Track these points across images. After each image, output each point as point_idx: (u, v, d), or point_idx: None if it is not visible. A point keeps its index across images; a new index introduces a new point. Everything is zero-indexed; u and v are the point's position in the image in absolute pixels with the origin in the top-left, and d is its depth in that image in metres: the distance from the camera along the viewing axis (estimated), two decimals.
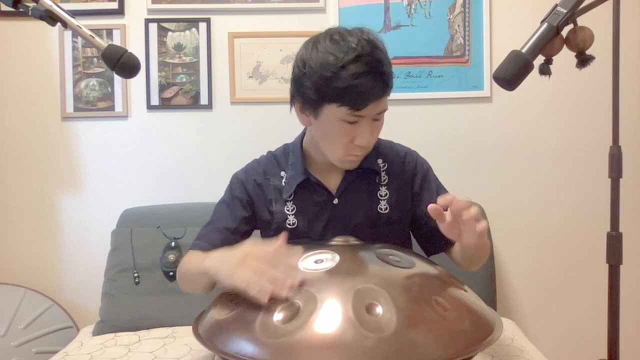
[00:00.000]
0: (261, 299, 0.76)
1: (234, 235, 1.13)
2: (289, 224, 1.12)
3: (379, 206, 1.13)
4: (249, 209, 1.15)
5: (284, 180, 1.14)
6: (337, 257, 0.83)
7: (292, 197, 1.12)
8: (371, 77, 0.94)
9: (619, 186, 0.88)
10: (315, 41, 1.00)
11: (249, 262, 0.83)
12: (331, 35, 0.98)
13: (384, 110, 1.01)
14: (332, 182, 1.13)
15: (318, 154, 1.12)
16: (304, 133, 1.17)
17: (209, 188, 1.93)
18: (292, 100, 1.07)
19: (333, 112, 0.98)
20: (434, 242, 1.15)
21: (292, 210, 1.12)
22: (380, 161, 1.16)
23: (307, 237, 1.12)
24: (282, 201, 1.13)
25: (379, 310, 0.72)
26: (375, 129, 1.03)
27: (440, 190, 1.18)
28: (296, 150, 1.15)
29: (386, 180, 1.14)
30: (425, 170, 1.19)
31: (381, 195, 1.14)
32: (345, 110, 0.96)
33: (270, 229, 1.14)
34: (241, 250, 0.87)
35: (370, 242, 0.99)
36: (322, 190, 1.12)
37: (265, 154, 1.22)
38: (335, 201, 1.12)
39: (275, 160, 1.18)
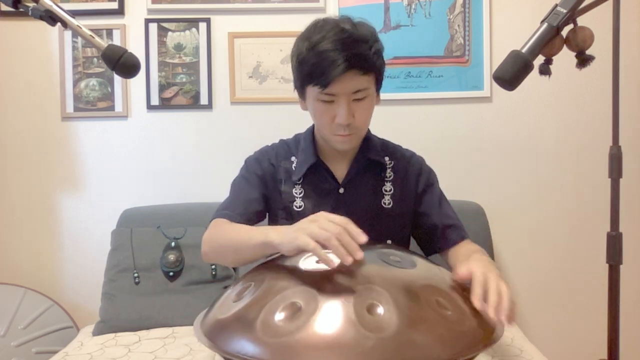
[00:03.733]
0: (327, 262, 0.74)
1: (257, 206, 1.14)
2: (296, 207, 1.14)
3: (383, 200, 1.16)
4: (264, 186, 1.17)
5: (294, 164, 1.17)
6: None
7: (301, 180, 1.15)
8: (332, 54, 0.97)
9: (619, 186, 0.88)
10: (305, 31, 1.06)
11: (316, 221, 0.80)
12: (317, 23, 1.04)
13: (360, 90, 1.02)
14: (340, 171, 1.16)
15: (324, 141, 1.15)
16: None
17: (209, 188, 1.93)
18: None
19: (311, 93, 1.04)
20: (432, 243, 1.18)
21: (300, 194, 1.15)
22: (387, 158, 1.19)
23: None
24: (291, 183, 1.16)
25: (379, 310, 0.72)
26: (360, 108, 1.04)
27: (442, 195, 1.22)
28: (308, 137, 1.19)
29: (391, 177, 1.17)
30: (428, 172, 1.22)
31: (386, 190, 1.16)
32: (317, 90, 1.01)
33: (278, 210, 1.16)
34: (307, 218, 0.83)
35: (372, 238, 0.99)
36: (329, 177, 1.15)
37: (277, 141, 1.25)
38: (341, 190, 1.15)
39: (287, 146, 1.22)
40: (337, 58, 0.97)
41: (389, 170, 1.18)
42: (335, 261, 0.76)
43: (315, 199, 1.14)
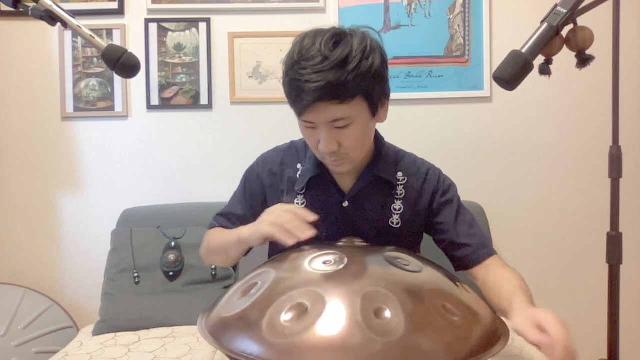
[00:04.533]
0: (287, 240, 0.87)
1: (238, 224, 1.12)
2: None
3: (391, 220, 1.09)
4: (259, 205, 1.13)
5: (299, 173, 1.11)
6: (345, 259, 0.83)
7: (303, 190, 1.10)
8: (301, 83, 0.90)
9: (619, 186, 0.88)
10: (290, 47, 0.98)
11: (273, 213, 0.94)
12: (297, 42, 0.95)
13: (339, 119, 0.93)
14: (346, 184, 1.10)
15: None
16: None
17: (209, 188, 1.93)
18: None
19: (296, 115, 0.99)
20: (455, 261, 1.12)
21: (301, 205, 1.09)
22: (400, 174, 1.11)
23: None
24: (293, 193, 1.11)
25: (387, 314, 0.71)
26: (344, 136, 0.95)
27: (462, 210, 1.13)
28: None
29: (403, 195, 1.10)
30: (444, 187, 1.14)
31: (395, 209, 1.10)
32: (297, 115, 0.97)
33: None
34: (265, 211, 0.97)
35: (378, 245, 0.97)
36: (334, 190, 1.09)
37: (288, 142, 1.20)
38: (345, 204, 1.08)
39: (295, 151, 1.15)
40: (305, 88, 0.89)
41: (400, 188, 1.10)
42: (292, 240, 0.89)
43: (318, 211, 1.06)
